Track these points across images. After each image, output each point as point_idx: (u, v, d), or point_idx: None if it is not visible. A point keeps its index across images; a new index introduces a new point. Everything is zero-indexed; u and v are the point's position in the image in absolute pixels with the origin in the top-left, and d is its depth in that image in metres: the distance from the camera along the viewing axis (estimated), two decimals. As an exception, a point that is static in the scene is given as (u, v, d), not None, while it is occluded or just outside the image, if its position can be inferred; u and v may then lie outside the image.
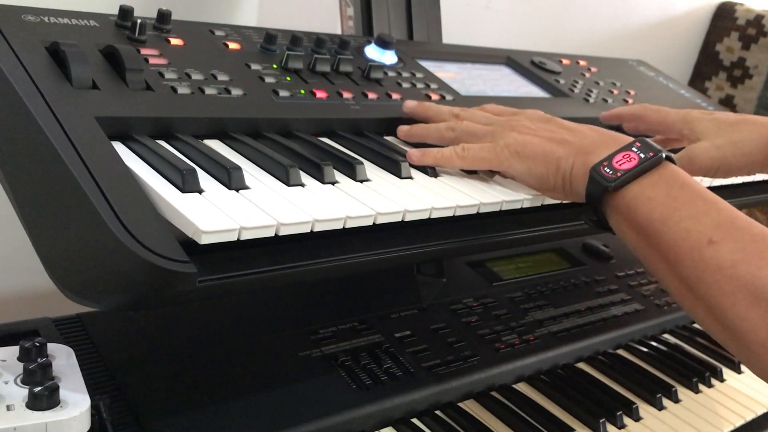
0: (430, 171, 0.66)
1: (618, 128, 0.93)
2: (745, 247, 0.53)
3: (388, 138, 0.73)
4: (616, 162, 0.60)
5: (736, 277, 0.52)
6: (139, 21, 0.66)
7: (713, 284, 0.53)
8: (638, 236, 0.59)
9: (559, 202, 0.69)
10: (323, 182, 0.58)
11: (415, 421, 0.72)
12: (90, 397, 0.54)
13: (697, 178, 0.80)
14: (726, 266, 0.52)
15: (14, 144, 0.54)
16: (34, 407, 0.51)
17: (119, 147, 0.55)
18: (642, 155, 0.59)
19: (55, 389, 0.52)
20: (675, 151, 0.90)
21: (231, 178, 0.54)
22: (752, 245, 0.53)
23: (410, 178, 0.64)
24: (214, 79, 0.66)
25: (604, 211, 0.61)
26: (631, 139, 0.62)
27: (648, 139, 0.61)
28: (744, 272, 0.51)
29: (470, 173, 0.68)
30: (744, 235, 0.53)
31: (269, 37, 0.75)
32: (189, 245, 0.46)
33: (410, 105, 0.75)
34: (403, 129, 0.72)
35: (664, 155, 0.59)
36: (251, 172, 0.57)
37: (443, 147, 0.68)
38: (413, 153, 0.66)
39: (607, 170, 0.59)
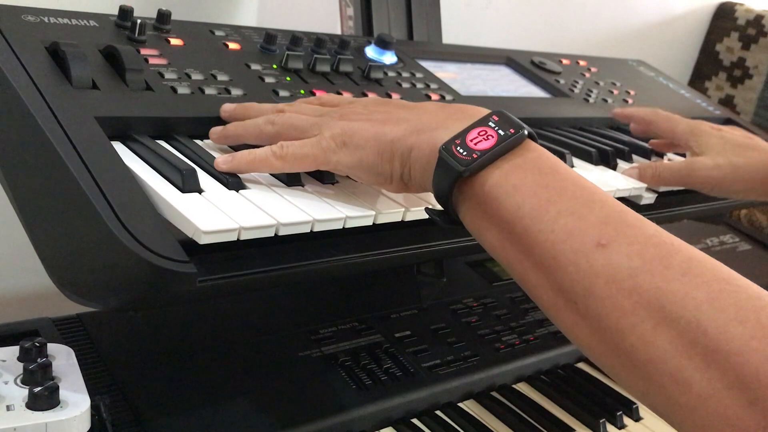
0: None
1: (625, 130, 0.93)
2: (643, 251, 0.42)
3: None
4: (471, 140, 0.49)
5: (637, 291, 0.41)
6: (139, 21, 0.66)
7: (606, 300, 0.42)
8: (501, 235, 0.48)
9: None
10: (323, 182, 0.58)
11: (415, 421, 0.72)
12: (90, 397, 0.54)
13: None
14: (623, 276, 0.42)
15: (14, 144, 0.54)
16: (34, 407, 0.51)
17: (119, 147, 0.55)
18: (501, 132, 0.49)
19: (55, 389, 0.52)
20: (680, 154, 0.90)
21: (230, 178, 0.54)
22: (652, 249, 0.42)
23: (410, 178, 0.64)
24: (214, 79, 0.66)
25: (455, 204, 0.51)
26: (486, 111, 0.52)
27: (507, 112, 0.51)
28: (647, 284, 0.41)
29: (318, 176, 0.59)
30: (638, 235, 0.44)
31: (269, 37, 0.75)
32: (189, 245, 0.47)
33: (228, 108, 0.62)
34: (216, 131, 0.60)
35: (526, 132, 0.49)
36: (251, 172, 0.57)
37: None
38: (219, 159, 0.55)
39: (460, 150, 0.49)
